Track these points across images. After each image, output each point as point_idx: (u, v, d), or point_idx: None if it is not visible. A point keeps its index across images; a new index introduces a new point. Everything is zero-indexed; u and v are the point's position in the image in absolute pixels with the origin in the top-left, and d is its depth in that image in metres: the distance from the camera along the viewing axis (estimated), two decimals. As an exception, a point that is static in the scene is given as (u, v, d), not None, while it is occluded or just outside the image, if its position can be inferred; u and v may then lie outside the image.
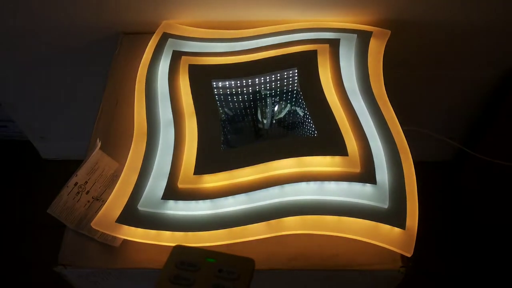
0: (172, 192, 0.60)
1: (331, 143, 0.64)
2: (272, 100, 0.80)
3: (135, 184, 0.62)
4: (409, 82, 1.01)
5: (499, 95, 1.04)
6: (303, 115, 0.77)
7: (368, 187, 0.60)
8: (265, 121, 0.83)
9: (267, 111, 0.81)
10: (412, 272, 0.59)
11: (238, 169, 0.61)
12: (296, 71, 0.73)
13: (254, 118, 0.82)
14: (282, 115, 0.82)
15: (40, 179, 1.28)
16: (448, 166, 1.28)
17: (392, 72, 0.76)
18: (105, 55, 0.84)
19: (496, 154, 0.95)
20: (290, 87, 0.77)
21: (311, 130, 0.70)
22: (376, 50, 0.77)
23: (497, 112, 1.04)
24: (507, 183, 0.99)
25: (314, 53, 0.75)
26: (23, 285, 1.14)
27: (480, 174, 1.13)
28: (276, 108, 0.81)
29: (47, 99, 1.11)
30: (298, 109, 0.80)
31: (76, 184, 0.63)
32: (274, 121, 0.83)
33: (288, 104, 0.81)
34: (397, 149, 0.64)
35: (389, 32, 0.80)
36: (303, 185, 0.60)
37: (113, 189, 0.62)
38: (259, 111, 0.81)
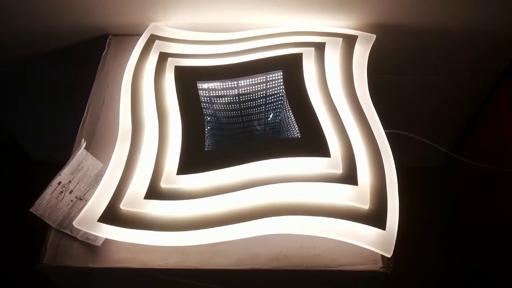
0: (155, 192, 0.61)
1: (314, 144, 0.64)
2: (264, 102, 0.80)
3: (118, 184, 0.62)
4: (394, 86, 1.02)
5: (484, 100, 1.05)
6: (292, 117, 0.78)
7: (349, 188, 0.60)
8: (258, 127, 0.83)
9: (260, 114, 0.82)
10: (399, 273, 0.59)
11: (221, 169, 0.61)
12: (281, 73, 0.74)
13: (247, 121, 0.82)
14: (277, 119, 0.82)
15: (29, 180, 1.27)
16: (438, 171, 1.28)
17: (378, 76, 0.76)
18: (94, 57, 0.85)
19: (483, 158, 0.96)
20: (276, 90, 0.78)
21: (297, 131, 0.71)
22: (361, 54, 0.78)
23: (481, 116, 1.06)
24: (493, 186, 1.00)
25: (299, 56, 0.75)
26: (5, 284, 1.14)
27: (467, 178, 1.14)
28: (271, 114, 0.81)
29: (35, 101, 1.11)
30: (289, 112, 0.80)
31: (59, 183, 0.63)
32: (267, 127, 0.83)
33: (281, 108, 0.81)
34: (379, 151, 0.65)
35: (374, 36, 0.81)
36: (285, 186, 0.61)
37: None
38: (252, 115, 0.81)
